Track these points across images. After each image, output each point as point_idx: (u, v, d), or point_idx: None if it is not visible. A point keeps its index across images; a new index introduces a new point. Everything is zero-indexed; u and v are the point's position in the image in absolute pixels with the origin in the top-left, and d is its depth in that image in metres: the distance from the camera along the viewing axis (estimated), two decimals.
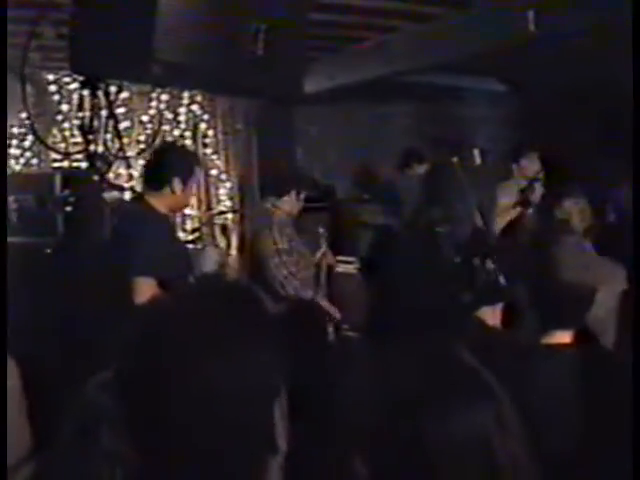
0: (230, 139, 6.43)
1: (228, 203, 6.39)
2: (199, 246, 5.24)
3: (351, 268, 5.43)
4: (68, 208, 3.46)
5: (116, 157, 3.29)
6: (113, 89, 2.92)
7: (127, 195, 4.66)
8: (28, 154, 5.57)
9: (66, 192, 3.65)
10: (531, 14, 3.90)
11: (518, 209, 4.50)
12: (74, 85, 5.38)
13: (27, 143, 5.53)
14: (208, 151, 6.33)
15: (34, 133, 4.69)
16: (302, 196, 4.41)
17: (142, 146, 5.66)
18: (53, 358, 2.97)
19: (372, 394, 1.03)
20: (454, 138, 5.89)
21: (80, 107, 2.90)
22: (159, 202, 3.15)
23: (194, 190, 3.59)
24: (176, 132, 6.07)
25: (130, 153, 5.14)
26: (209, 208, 6.31)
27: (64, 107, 5.65)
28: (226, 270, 4.37)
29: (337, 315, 4.28)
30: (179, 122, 6.10)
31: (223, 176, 6.40)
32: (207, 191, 6.34)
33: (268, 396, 0.91)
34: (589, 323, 1.90)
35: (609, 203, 4.26)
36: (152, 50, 2.31)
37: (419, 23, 4.76)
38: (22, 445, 1.74)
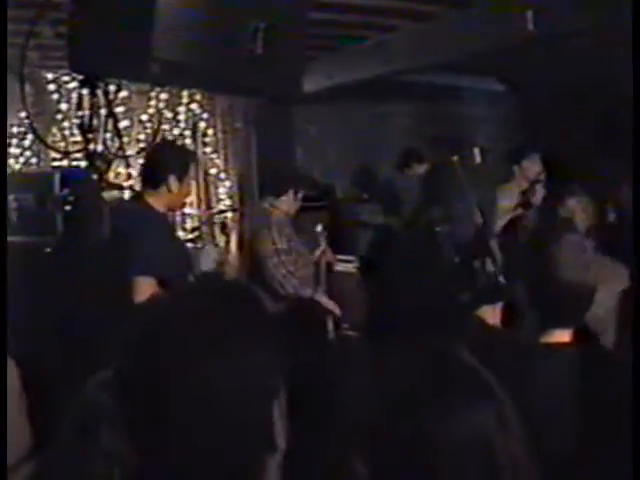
0: (229, 138, 6.43)
1: (228, 202, 6.39)
2: (199, 245, 5.24)
3: (350, 267, 5.43)
4: (67, 207, 3.46)
5: (116, 156, 3.29)
6: (112, 88, 2.92)
7: (127, 194, 4.65)
8: (28, 153, 5.57)
9: (65, 191, 3.64)
10: (530, 14, 3.90)
11: (519, 211, 4.49)
12: (73, 84, 5.38)
13: (27, 142, 5.54)
14: (207, 150, 6.33)
15: (34, 132, 4.69)
16: (300, 195, 4.41)
17: (142, 145, 5.66)
18: (53, 357, 2.97)
19: (372, 394, 1.03)
20: (453, 137, 5.89)
21: (79, 106, 2.89)
22: (157, 201, 3.15)
23: (191, 187, 3.59)
24: (175, 131, 6.07)
25: (130, 152, 5.14)
26: (209, 207, 6.31)
27: (63, 106, 5.65)
28: (225, 269, 4.37)
29: (336, 311, 4.27)
30: (178, 121, 6.10)
31: (222, 175, 6.40)
32: (207, 190, 6.34)
33: (267, 395, 0.91)
34: (588, 322, 1.90)
35: (609, 202, 4.26)
36: (151, 49, 2.31)
37: (418, 22, 4.76)
38: (22, 445, 1.74)
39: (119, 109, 5.08)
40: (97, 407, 0.88)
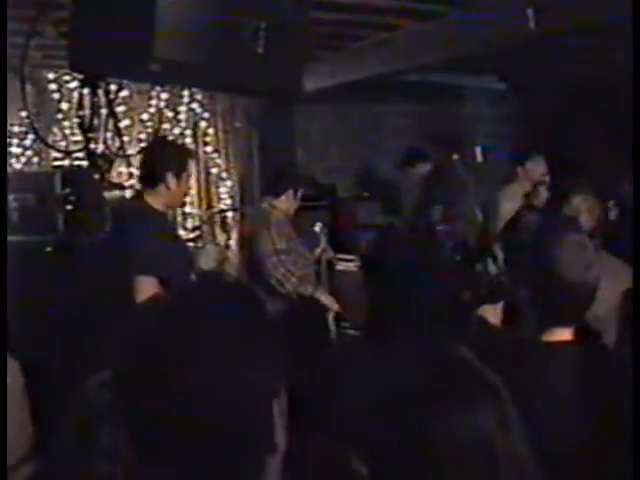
0: (230, 137, 6.43)
1: (228, 201, 6.39)
2: (200, 244, 5.24)
3: (352, 266, 5.43)
4: (68, 207, 3.46)
5: (117, 155, 3.29)
6: (113, 87, 2.92)
7: (127, 194, 4.65)
8: (29, 152, 5.57)
9: (67, 190, 3.64)
10: (531, 12, 3.89)
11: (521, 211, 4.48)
12: (74, 83, 5.37)
13: (28, 142, 5.54)
14: (208, 149, 6.33)
15: (34, 131, 4.69)
16: (299, 195, 4.41)
17: (143, 144, 5.66)
18: (53, 357, 2.97)
19: (372, 393, 1.03)
20: (455, 137, 5.88)
21: (80, 105, 2.88)
22: (156, 200, 3.16)
23: (190, 184, 3.59)
24: (176, 130, 6.07)
25: (130, 151, 5.13)
26: (209, 206, 6.31)
27: (64, 105, 5.65)
28: (226, 268, 4.37)
29: (335, 307, 4.26)
30: (179, 120, 6.10)
31: (224, 174, 6.40)
32: (208, 189, 6.34)
33: (267, 395, 0.90)
34: (589, 321, 1.90)
35: (611, 201, 4.25)
36: (152, 48, 2.31)
37: (420, 21, 4.75)
38: (22, 445, 1.74)
39: (120, 108, 5.07)
40: (97, 407, 0.87)
